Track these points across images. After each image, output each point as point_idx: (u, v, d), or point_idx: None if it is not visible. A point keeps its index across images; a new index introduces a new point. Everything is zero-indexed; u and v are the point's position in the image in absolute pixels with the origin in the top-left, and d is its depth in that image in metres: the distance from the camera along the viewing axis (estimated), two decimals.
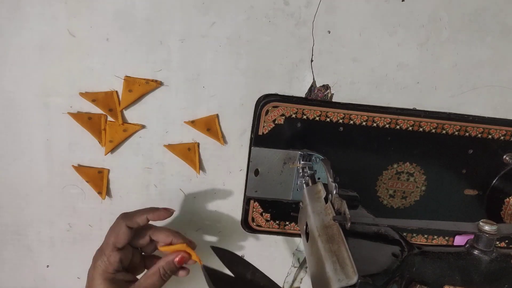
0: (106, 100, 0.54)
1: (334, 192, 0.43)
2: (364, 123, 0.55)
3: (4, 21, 0.51)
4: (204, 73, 0.54)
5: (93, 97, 0.54)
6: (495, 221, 0.41)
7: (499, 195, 0.57)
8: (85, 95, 0.54)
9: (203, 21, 0.52)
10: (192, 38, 0.52)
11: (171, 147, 0.57)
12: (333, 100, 0.55)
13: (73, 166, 0.57)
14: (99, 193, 0.58)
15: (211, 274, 0.39)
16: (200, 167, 0.58)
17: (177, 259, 0.48)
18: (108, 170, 0.58)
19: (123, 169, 0.58)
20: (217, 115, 0.56)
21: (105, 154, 0.56)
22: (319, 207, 0.44)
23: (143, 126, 0.56)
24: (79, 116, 0.55)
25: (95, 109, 0.54)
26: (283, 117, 0.55)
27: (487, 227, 0.40)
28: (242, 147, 0.57)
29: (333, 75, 0.54)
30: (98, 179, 0.58)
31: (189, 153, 0.57)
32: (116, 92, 0.54)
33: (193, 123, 0.56)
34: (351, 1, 0.51)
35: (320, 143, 0.56)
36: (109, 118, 0.55)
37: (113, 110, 0.54)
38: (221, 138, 0.56)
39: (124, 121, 0.55)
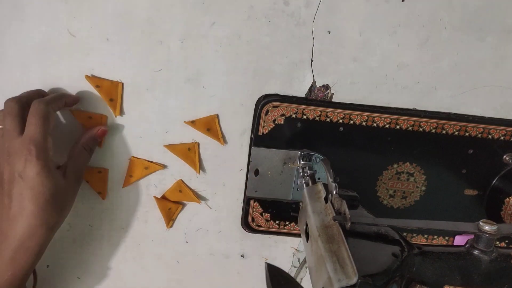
0: (110, 89, 0.54)
1: (334, 192, 0.43)
2: (364, 123, 0.55)
3: (4, 21, 0.51)
4: (204, 73, 0.54)
5: (98, 83, 0.53)
6: (495, 221, 0.41)
7: (499, 195, 0.57)
8: (91, 79, 0.53)
9: (203, 21, 0.52)
10: (192, 38, 0.52)
11: (171, 147, 0.57)
12: (333, 100, 0.55)
13: None
14: (99, 193, 0.58)
15: (271, 271, 0.38)
16: (200, 167, 0.58)
17: (98, 132, 0.53)
18: (108, 170, 0.58)
19: (123, 169, 0.57)
20: (217, 115, 0.56)
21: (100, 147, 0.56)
22: (319, 207, 0.44)
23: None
24: (80, 114, 0.55)
25: (95, 103, 0.54)
26: (283, 117, 0.55)
27: (487, 227, 0.40)
28: (242, 147, 0.57)
29: (333, 75, 0.54)
30: (98, 179, 0.58)
31: (189, 153, 0.57)
32: (122, 84, 0.54)
33: (193, 123, 0.56)
34: (351, 1, 0.51)
35: (320, 143, 0.56)
36: (108, 109, 0.55)
37: (113, 100, 0.54)
38: (221, 138, 0.56)
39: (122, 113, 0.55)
